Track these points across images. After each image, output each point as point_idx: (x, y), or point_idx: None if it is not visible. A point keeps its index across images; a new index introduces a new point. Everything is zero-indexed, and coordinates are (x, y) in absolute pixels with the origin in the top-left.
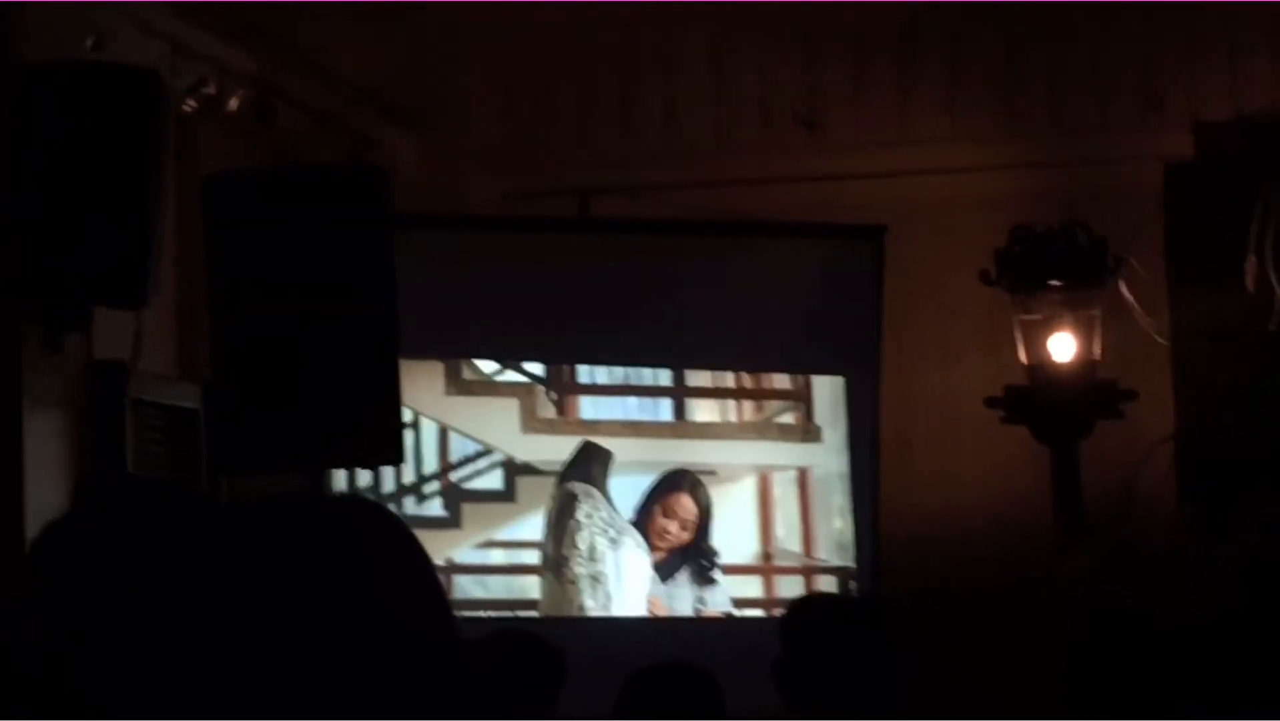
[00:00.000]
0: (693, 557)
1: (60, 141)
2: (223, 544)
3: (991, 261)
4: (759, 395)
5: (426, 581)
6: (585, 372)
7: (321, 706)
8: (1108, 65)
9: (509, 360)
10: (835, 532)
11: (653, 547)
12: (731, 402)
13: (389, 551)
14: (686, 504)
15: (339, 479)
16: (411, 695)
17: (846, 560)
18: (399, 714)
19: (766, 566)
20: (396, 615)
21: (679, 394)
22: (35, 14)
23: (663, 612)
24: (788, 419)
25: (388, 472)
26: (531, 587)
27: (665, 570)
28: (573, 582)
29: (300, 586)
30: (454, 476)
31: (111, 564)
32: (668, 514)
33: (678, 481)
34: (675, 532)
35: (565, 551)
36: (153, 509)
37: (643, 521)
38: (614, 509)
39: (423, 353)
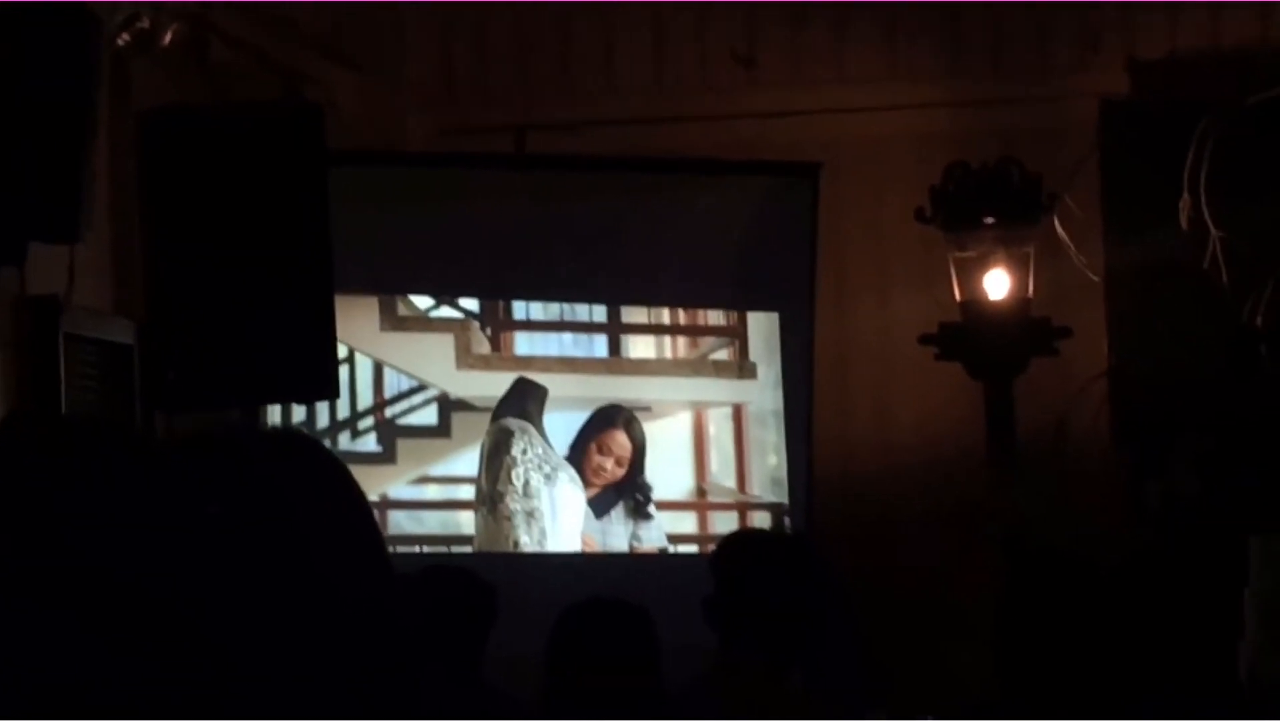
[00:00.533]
0: (627, 493)
1: None
2: (147, 478)
3: (927, 199)
4: (694, 331)
5: (358, 516)
6: (520, 309)
7: (245, 642)
8: (1045, 4)
9: (444, 296)
10: (770, 469)
11: (588, 484)
12: (667, 339)
13: (320, 485)
14: (621, 440)
15: (274, 415)
16: (340, 630)
17: (781, 496)
18: (326, 649)
19: (701, 502)
20: (327, 550)
21: (614, 330)
22: None
23: (596, 549)
24: (723, 355)
25: (322, 408)
26: (466, 523)
27: (600, 506)
28: (507, 518)
29: (227, 520)
30: (389, 412)
31: (22, 498)
32: (603, 450)
33: (612, 417)
34: (611, 469)
35: (500, 487)
36: (77, 443)
37: (578, 458)
38: (549, 445)
39: (358, 289)
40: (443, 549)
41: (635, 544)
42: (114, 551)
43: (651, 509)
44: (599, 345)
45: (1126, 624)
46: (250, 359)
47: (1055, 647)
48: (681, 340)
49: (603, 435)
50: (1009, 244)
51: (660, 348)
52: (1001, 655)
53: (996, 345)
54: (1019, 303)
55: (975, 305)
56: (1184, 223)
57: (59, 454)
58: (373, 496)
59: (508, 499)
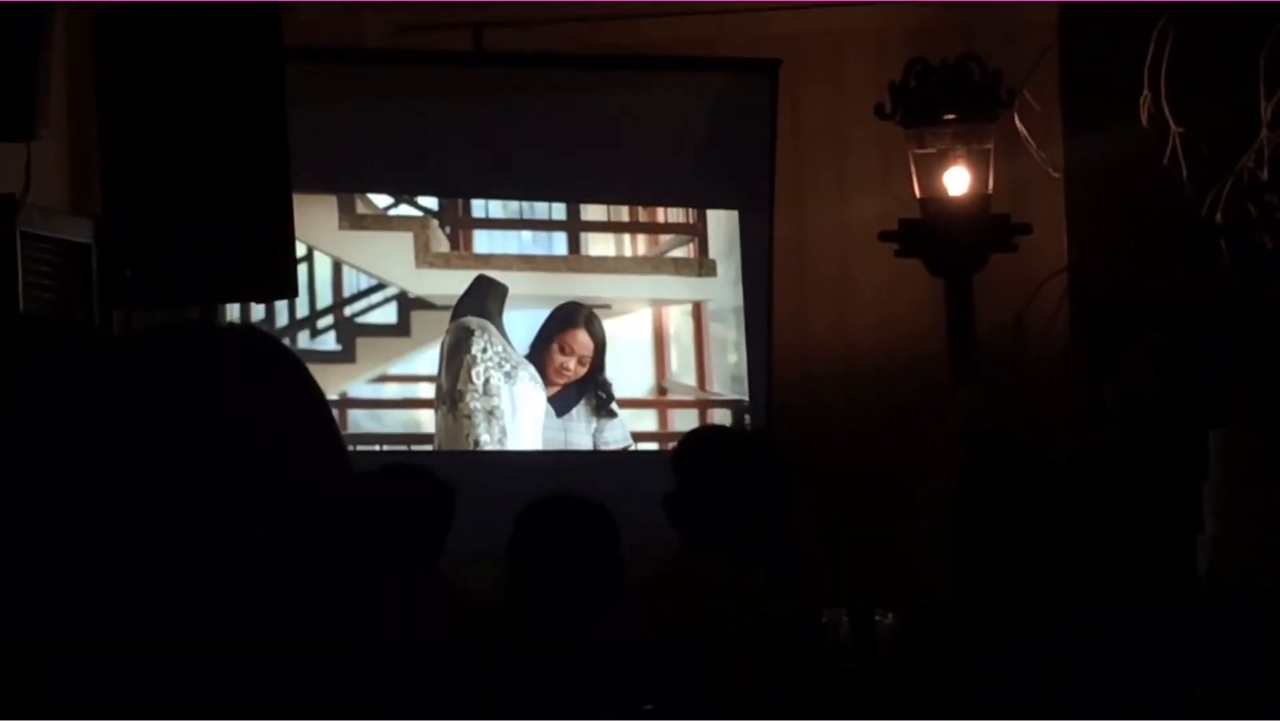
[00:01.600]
0: (589, 391)
1: None
2: (101, 373)
3: (886, 95)
4: (653, 229)
5: (314, 412)
6: (479, 207)
7: (196, 539)
8: None
9: (403, 194)
10: (729, 366)
11: (549, 383)
12: (626, 236)
13: (276, 381)
14: (583, 339)
15: (233, 314)
16: (294, 526)
17: (741, 394)
18: (280, 546)
19: (661, 400)
20: (281, 445)
21: (573, 228)
22: None
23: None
24: (682, 253)
25: (281, 307)
26: (426, 422)
27: (561, 404)
28: (468, 417)
29: (182, 415)
30: (348, 311)
31: None
32: (565, 350)
33: (572, 316)
34: (573, 368)
35: (460, 386)
36: (31, 339)
37: (539, 357)
38: (509, 343)
39: (316, 187)
40: (403, 448)
41: (598, 442)
42: (67, 448)
43: (614, 406)
44: (558, 243)
45: (1084, 517)
46: (208, 257)
47: (1013, 541)
48: (641, 238)
49: (564, 334)
50: (969, 140)
51: (620, 245)
52: (959, 549)
53: (956, 241)
54: (979, 199)
55: (935, 202)
56: (1144, 119)
57: (11, 351)
58: (332, 395)
59: (468, 397)
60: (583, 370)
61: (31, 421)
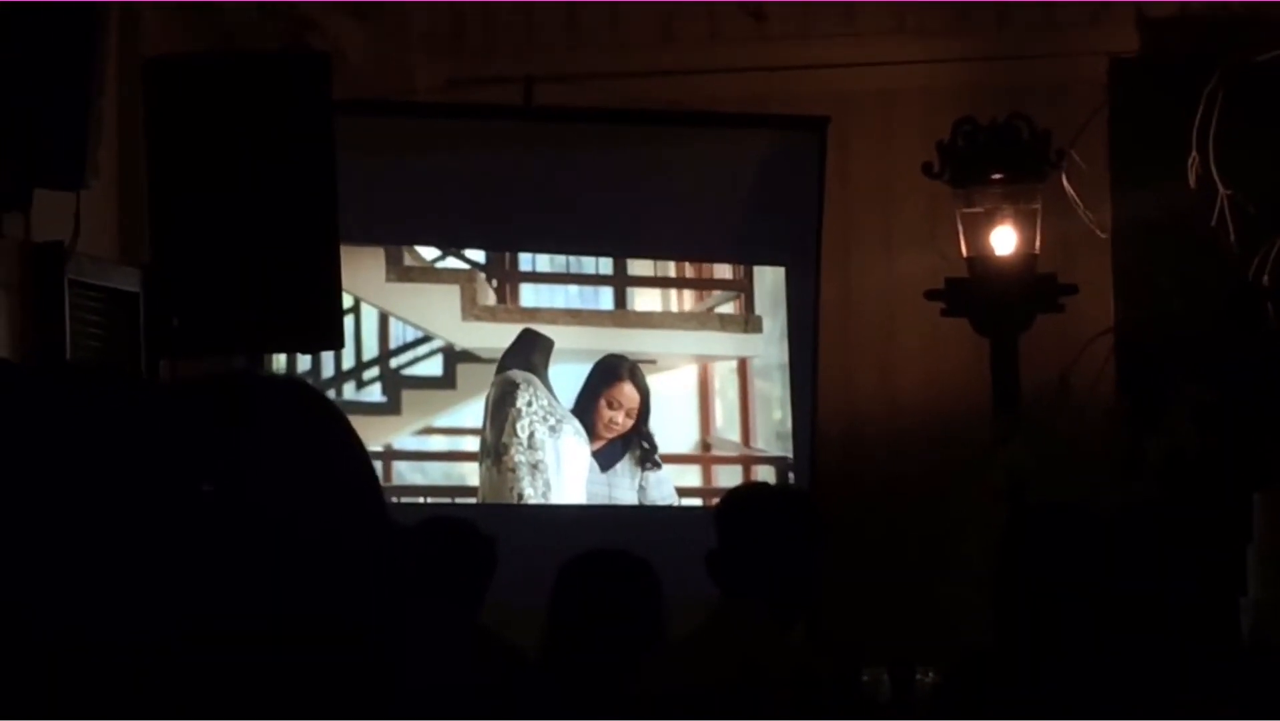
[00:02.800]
0: (634, 444)
1: None
2: (146, 419)
3: (934, 154)
4: (700, 284)
5: (354, 464)
6: (527, 260)
7: (235, 589)
8: None
9: (451, 247)
10: (774, 423)
11: (597, 437)
12: (673, 292)
13: (316, 433)
14: (629, 391)
15: (279, 364)
16: (331, 578)
17: (785, 451)
18: (317, 597)
19: (705, 456)
20: (320, 498)
21: (620, 282)
22: None
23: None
24: (728, 309)
25: (327, 358)
26: (470, 475)
27: (605, 459)
28: (512, 470)
29: (222, 464)
30: (394, 363)
31: (19, 439)
32: (612, 405)
33: (616, 369)
34: (621, 422)
35: (505, 439)
36: (79, 386)
37: (587, 413)
38: (554, 396)
39: (364, 239)
40: (446, 500)
41: (643, 497)
42: (109, 496)
43: (658, 458)
44: (605, 297)
45: (1127, 575)
46: (255, 307)
47: (1054, 598)
48: (687, 293)
49: (610, 388)
50: (1016, 200)
51: (666, 300)
52: (1001, 607)
53: (1002, 301)
54: (1025, 259)
55: (982, 261)
56: (1192, 181)
57: (59, 397)
58: (376, 447)
59: (512, 451)
60: (629, 422)
61: (77, 466)
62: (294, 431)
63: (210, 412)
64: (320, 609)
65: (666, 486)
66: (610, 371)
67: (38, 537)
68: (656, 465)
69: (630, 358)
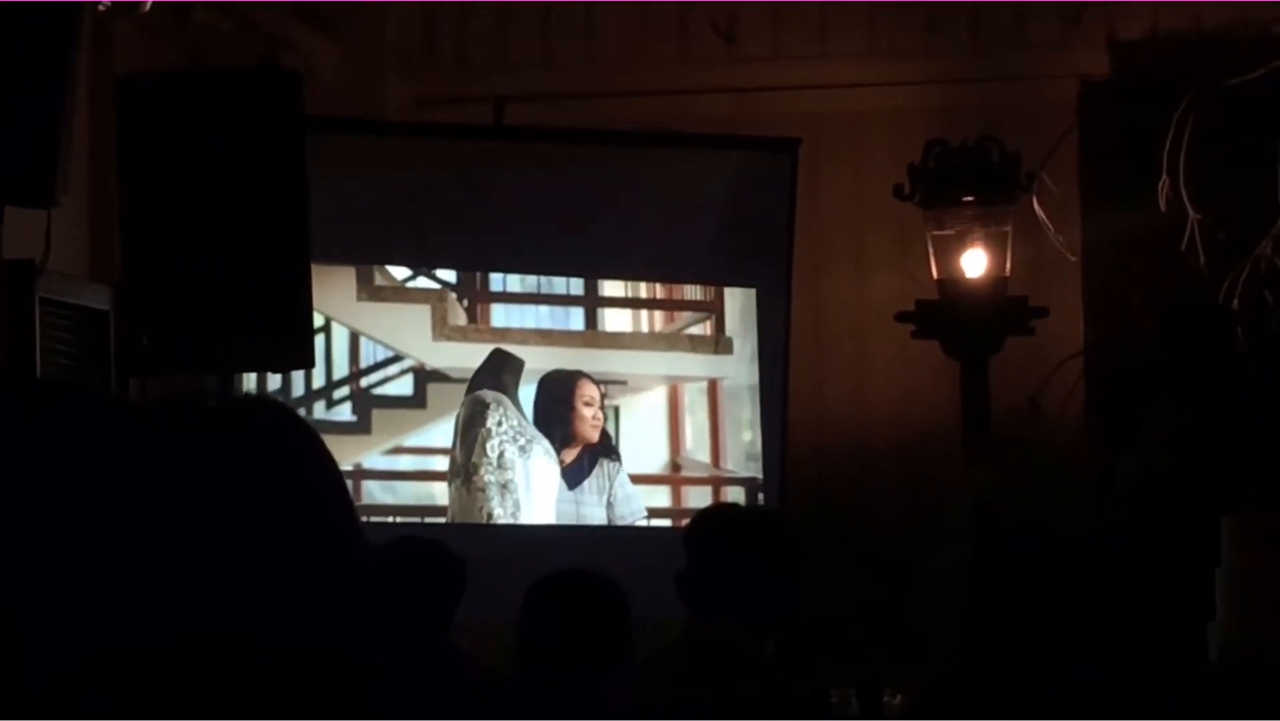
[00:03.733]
0: (599, 455)
1: None
2: (115, 439)
3: (905, 176)
4: (671, 306)
5: (328, 483)
6: (497, 280)
7: (208, 607)
8: None
9: (421, 266)
10: (744, 444)
11: (582, 441)
12: (644, 313)
13: (289, 451)
14: (591, 387)
15: (249, 383)
16: (304, 598)
17: (755, 472)
18: (290, 616)
19: (675, 477)
20: (293, 516)
21: (590, 303)
22: None
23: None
24: (699, 330)
25: (298, 377)
26: (440, 494)
27: (572, 476)
28: (481, 490)
29: (194, 483)
30: (364, 382)
31: None
32: (588, 402)
33: (571, 373)
34: (595, 415)
35: (474, 459)
36: (49, 405)
37: (566, 422)
38: (524, 416)
39: (335, 258)
40: (416, 520)
41: (611, 515)
42: (80, 515)
43: (619, 455)
44: (575, 318)
45: (1096, 596)
46: (225, 326)
47: (1024, 619)
48: (658, 314)
49: (578, 389)
50: (987, 222)
51: (637, 321)
52: (970, 626)
53: (973, 324)
54: (996, 281)
55: (952, 283)
56: (1162, 204)
57: (28, 416)
58: (347, 466)
59: (482, 470)
60: (601, 416)
61: (46, 487)
62: (269, 451)
63: (184, 436)
64: (297, 628)
65: (636, 502)
66: (567, 377)
67: (22, 557)
68: (618, 458)
69: (601, 378)
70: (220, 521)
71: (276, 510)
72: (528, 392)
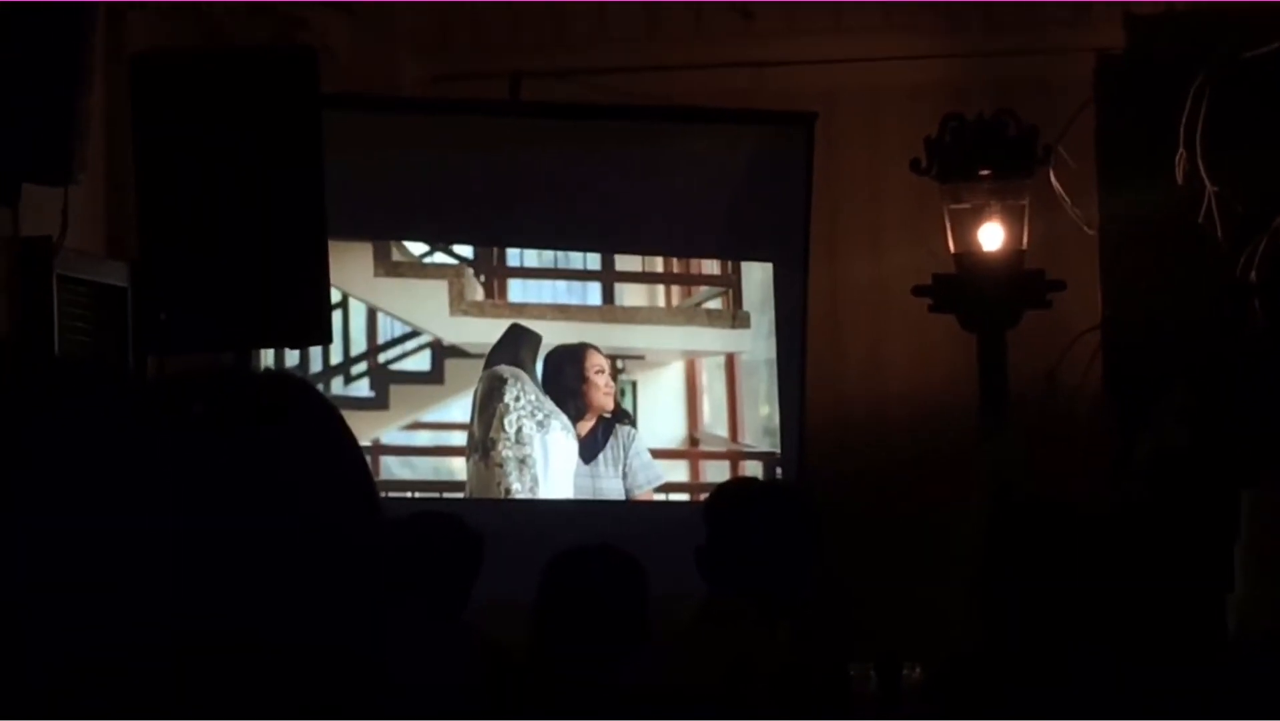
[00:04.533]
0: (613, 424)
1: None
2: (136, 414)
3: (922, 150)
4: (688, 280)
5: (348, 458)
6: (514, 256)
7: (226, 580)
8: None
9: (438, 242)
10: (762, 419)
11: (599, 410)
12: (660, 287)
13: (310, 425)
14: (598, 357)
15: (266, 359)
16: (326, 567)
17: (773, 446)
18: (309, 589)
19: (693, 451)
20: (314, 490)
21: (608, 278)
22: None
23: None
24: (716, 304)
25: (315, 353)
26: (458, 469)
27: (588, 450)
28: (499, 465)
29: (215, 457)
30: (382, 358)
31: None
32: (597, 369)
33: (577, 346)
34: (608, 382)
35: (492, 434)
36: (68, 382)
37: (579, 395)
38: (541, 392)
39: (352, 234)
40: (434, 495)
41: (630, 484)
42: (101, 491)
43: (634, 421)
44: (593, 293)
45: (1113, 572)
46: (243, 302)
47: (1040, 595)
48: (675, 289)
49: (588, 360)
50: (1004, 196)
51: (653, 296)
52: (986, 603)
53: (990, 297)
54: (1013, 255)
55: (969, 257)
56: (1179, 177)
57: (49, 393)
58: (365, 441)
59: (500, 446)
60: (614, 385)
61: (65, 461)
62: (287, 426)
63: (204, 410)
64: (317, 602)
65: (653, 470)
66: (576, 348)
67: (40, 533)
68: (632, 423)
69: (618, 353)
70: (240, 496)
71: (296, 484)
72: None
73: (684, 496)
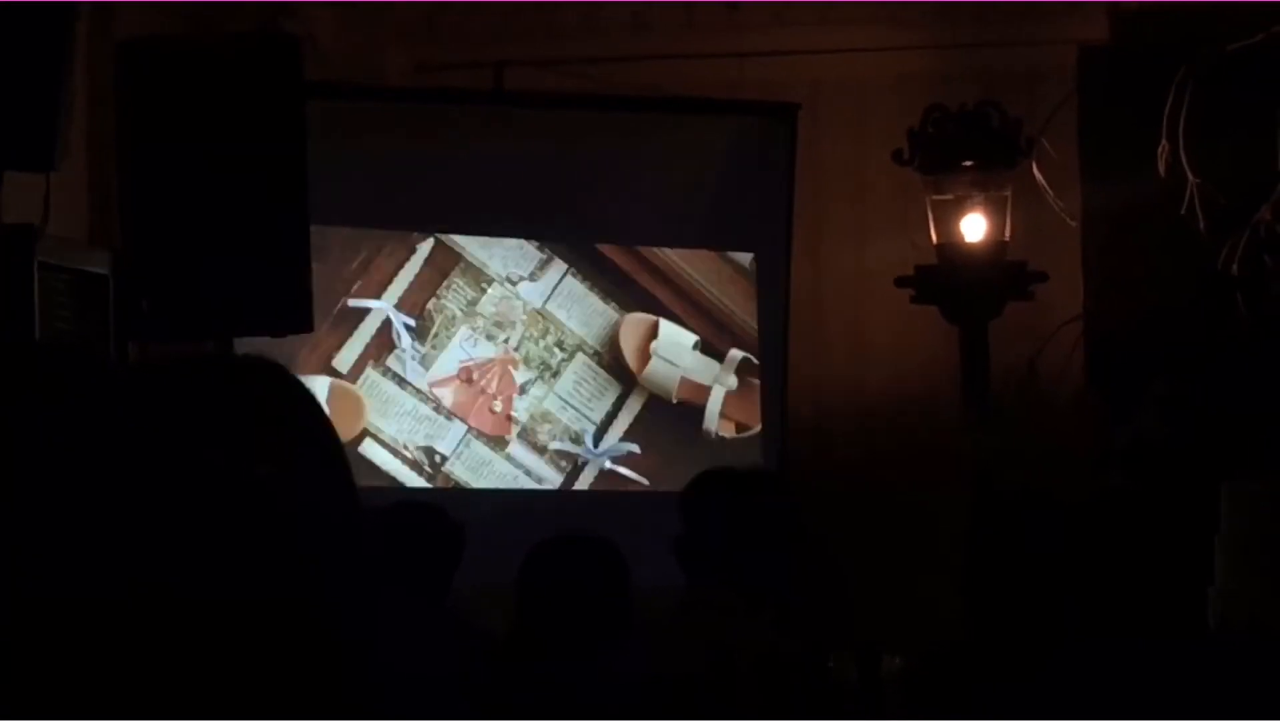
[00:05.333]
0: None
1: None
2: (117, 398)
3: (905, 141)
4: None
5: (324, 443)
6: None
7: (201, 567)
8: None
9: (418, 231)
10: None
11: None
12: None
13: (287, 411)
14: None
15: (249, 347)
16: (300, 558)
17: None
18: (285, 576)
19: None
20: (290, 476)
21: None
22: None
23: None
24: None
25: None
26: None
27: None
28: None
29: (194, 442)
30: None
31: None
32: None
33: None
34: None
35: None
36: (48, 367)
37: None
38: None
39: (334, 222)
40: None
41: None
42: (81, 477)
43: None
44: None
45: (1095, 562)
46: (225, 290)
47: (1022, 585)
48: None
49: None
50: (986, 187)
51: None
52: (970, 592)
53: (972, 288)
54: (995, 246)
55: (952, 248)
56: (1162, 169)
57: (29, 380)
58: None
59: None
60: None
61: (49, 446)
62: (265, 411)
63: (184, 393)
64: (296, 585)
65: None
66: None
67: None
68: None
69: None
70: (217, 480)
71: (272, 469)
72: None
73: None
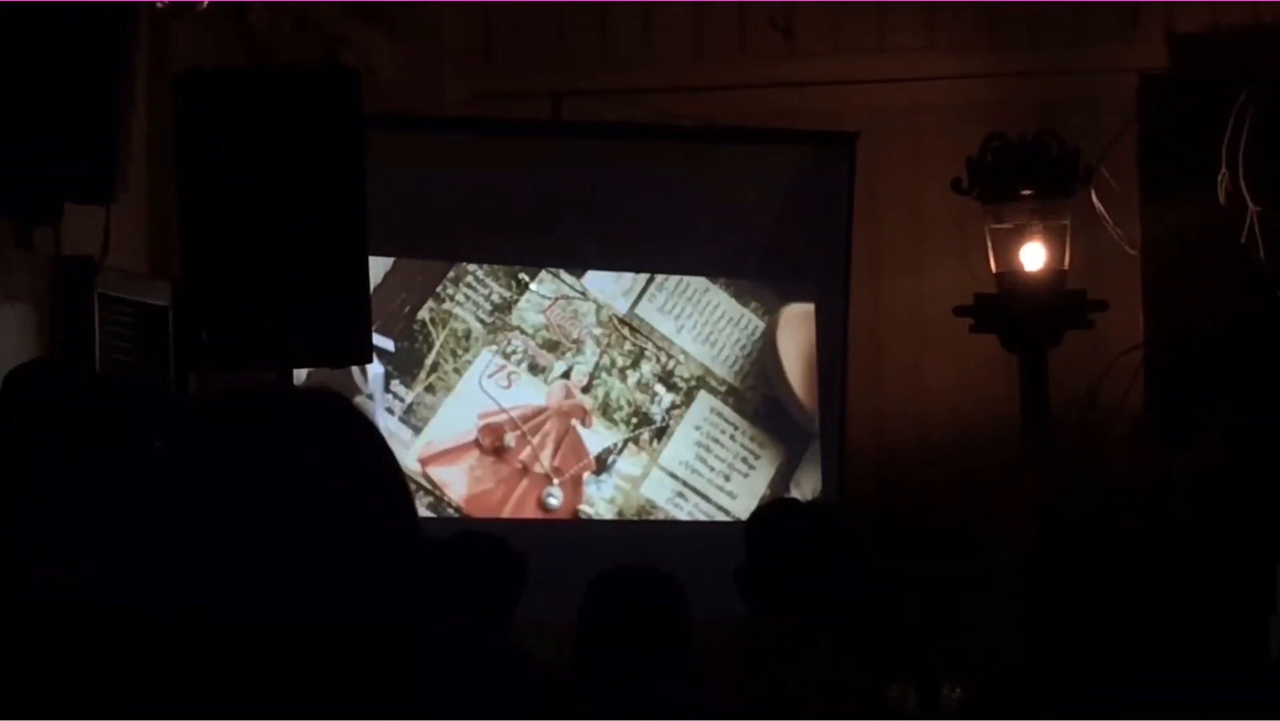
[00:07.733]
0: None
1: (30, 37)
2: (180, 430)
3: (964, 170)
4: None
5: (386, 476)
6: None
7: (267, 599)
8: None
9: (478, 262)
10: None
11: None
12: None
13: (349, 443)
14: None
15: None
16: (361, 588)
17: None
18: (346, 607)
19: None
20: (352, 508)
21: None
22: None
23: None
24: None
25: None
26: None
27: None
28: None
29: (258, 474)
30: None
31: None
32: None
33: None
34: None
35: None
36: (115, 398)
37: None
38: None
39: (392, 253)
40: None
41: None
42: (145, 507)
43: None
44: None
45: (1154, 591)
46: (284, 321)
47: (1083, 614)
48: None
49: None
50: (1045, 216)
51: None
52: (1029, 622)
53: (1031, 317)
54: (1055, 275)
55: (1011, 277)
56: (1221, 197)
57: (98, 409)
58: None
59: None
60: None
61: (118, 474)
62: (327, 443)
63: (245, 424)
64: (352, 617)
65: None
66: None
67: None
68: None
69: None
70: (279, 512)
71: (334, 501)
72: None
73: (725, 517)
